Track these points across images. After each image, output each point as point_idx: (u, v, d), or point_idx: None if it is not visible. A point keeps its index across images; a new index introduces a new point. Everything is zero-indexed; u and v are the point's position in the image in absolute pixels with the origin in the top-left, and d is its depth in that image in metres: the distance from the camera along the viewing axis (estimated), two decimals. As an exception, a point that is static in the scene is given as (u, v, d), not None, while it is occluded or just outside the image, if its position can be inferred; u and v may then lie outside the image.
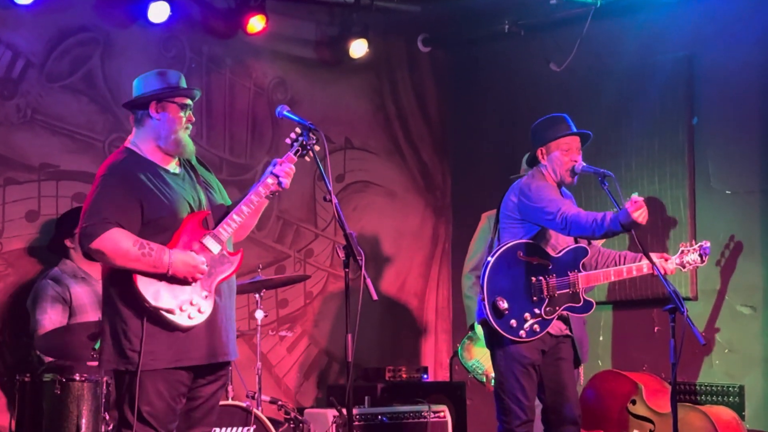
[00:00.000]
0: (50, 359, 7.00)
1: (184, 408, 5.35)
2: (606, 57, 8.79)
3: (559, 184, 6.59)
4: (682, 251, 6.52)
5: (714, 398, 7.89)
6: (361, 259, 5.09)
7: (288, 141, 5.44)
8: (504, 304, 6.37)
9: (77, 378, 6.61)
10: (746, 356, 7.88)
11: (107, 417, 6.52)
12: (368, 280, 5.04)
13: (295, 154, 5.43)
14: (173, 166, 5.44)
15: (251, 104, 9.02)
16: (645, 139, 8.43)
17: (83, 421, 6.56)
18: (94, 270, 7.45)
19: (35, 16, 7.89)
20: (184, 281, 5.20)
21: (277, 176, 5.37)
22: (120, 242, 5.12)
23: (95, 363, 6.59)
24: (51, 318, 7.21)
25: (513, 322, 6.39)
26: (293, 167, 5.44)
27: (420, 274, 9.99)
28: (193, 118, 5.48)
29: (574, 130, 6.59)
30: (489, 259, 6.48)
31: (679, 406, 6.58)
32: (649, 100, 8.44)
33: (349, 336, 5.11)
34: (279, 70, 9.18)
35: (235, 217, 5.37)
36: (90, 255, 5.21)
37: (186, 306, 5.20)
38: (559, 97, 8.78)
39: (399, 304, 9.81)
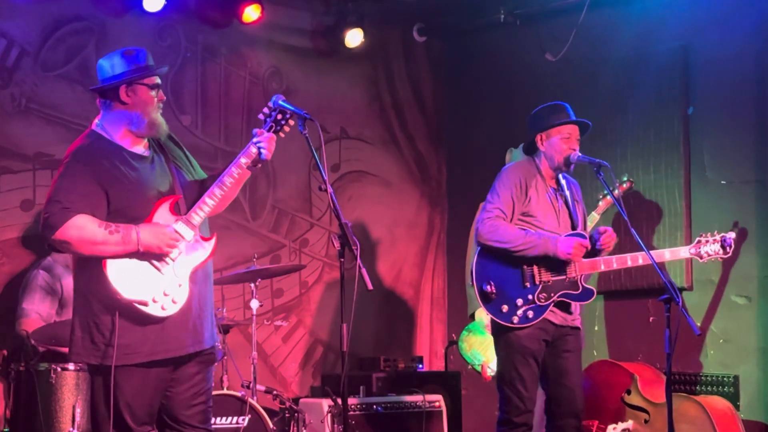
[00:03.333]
0: (44, 348, 6.99)
1: (171, 393, 5.25)
2: (602, 47, 8.79)
3: (556, 171, 6.57)
4: (700, 241, 6.44)
5: (709, 388, 7.90)
6: (357, 249, 5.06)
7: (261, 117, 5.36)
8: (490, 288, 6.36)
9: (72, 367, 6.59)
10: (741, 346, 7.89)
11: (102, 406, 6.50)
12: (363, 270, 5.02)
13: (268, 130, 5.35)
14: (141, 149, 5.30)
15: (246, 94, 9.01)
16: (640, 129, 8.43)
17: (78, 410, 6.55)
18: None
19: (30, 4, 7.87)
20: (158, 256, 5.09)
21: (258, 148, 5.27)
22: (84, 228, 5.00)
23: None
24: (37, 309, 7.19)
25: (504, 307, 6.38)
26: (274, 137, 5.34)
27: (415, 263, 9.99)
28: (164, 97, 5.37)
29: (575, 118, 6.59)
30: (475, 242, 6.49)
31: (674, 396, 6.59)
32: (644, 90, 8.44)
33: (345, 326, 5.09)
34: (274, 59, 9.17)
35: (207, 200, 5.24)
36: (54, 247, 5.12)
37: (159, 297, 5.09)
38: (555, 86, 8.77)
39: (394, 294, 9.82)
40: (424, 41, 10.06)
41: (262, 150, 5.28)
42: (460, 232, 8.19)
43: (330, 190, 5.15)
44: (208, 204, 5.25)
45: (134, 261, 5.09)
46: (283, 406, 7.54)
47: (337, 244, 5.15)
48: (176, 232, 5.14)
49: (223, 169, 5.32)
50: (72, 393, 6.58)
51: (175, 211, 5.21)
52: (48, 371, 6.56)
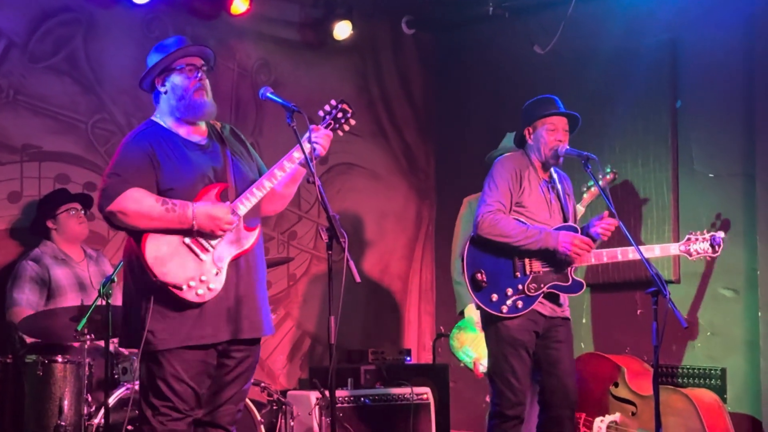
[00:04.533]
0: (32, 340, 6.98)
1: (215, 377, 5.26)
2: (590, 40, 8.79)
3: (545, 166, 6.58)
4: (689, 239, 6.46)
5: (696, 381, 7.92)
6: (345, 241, 5.04)
7: (321, 113, 5.41)
8: (482, 277, 6.37)
9: (59, 359, 6.59)
10: (728, 339, 7.91)
11: (89, 398, 6.50)
12: (351, 263, 5.00)
13: (326, 126, 5.40)
14: (197, 137, 5.35)
15: (235, 86, 9.00)
16: (629, 122, 8.44)
17: (65, 402, 6.55)
18: (75, 252, 7.45)
19: (18, -5, 7.87)
20: (210, 235, 5.11)
21: (313, 143, 5.27)
22: (141, 201, 5.05)
23: (77, 344, 6.59)
24: (28, 298, 7.17)
25: (494, 296, 6.38)
26: (330, 134, 5.38)
27: (403, 256, 10.00)
28: (204, 77, 5.36)
29: (563, 110, 6.59)
30: (471, 233, 6.49)
31: (661, 389, 6.61)
32: (633, 82, 8.45)
33: (332, 318, 5.08)
34: (263, 51, 9.16)
35: (255, 191, 5.25)
36: (110, 219, 5.09)
37: (194, 282, 5.09)
38: (544, 79, 8.77)
39: (382, 287, 9.82)
40: (412, 34, 10.06)
41: (316, 146, 5.29)
42: (448, 224, 8.18)
43: (318, 182, 5.13)
44: (255, 195, 5.27)
45: (174, 245, 5.11)
46: (271, 399, 7.53)
47: (325, 237, 5.14)
48: (234, 213, 5.17)
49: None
50: (60, 385, 6.58)
51: (222, 198, 5.21)
52: (36, 363, 6.56)
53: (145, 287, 5.09)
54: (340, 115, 5.44)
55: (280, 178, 5.32)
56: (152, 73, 5.34)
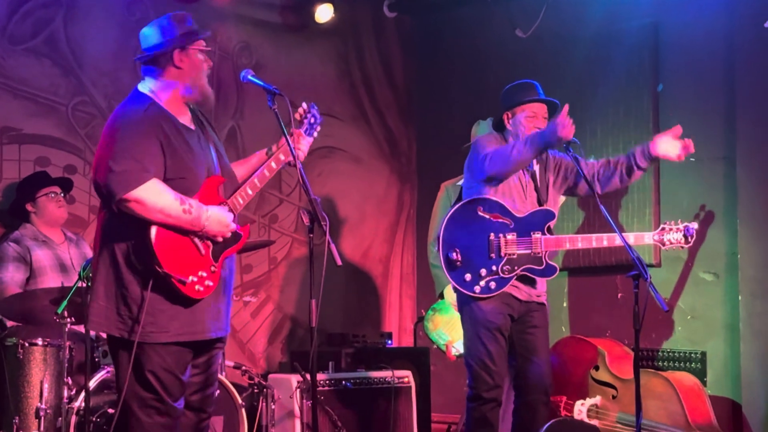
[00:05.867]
0: (13, 323, 6.96)
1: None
2: (572, 23, 8.78)
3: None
4: (663, 228, 6.45)
5: (676, 364, 7.95)
6: (326, 225, 5.03)
7: (297, 117, 5.43)
8: (456, 256, 6.37)
9: (40, 342, 6.57)
10: (708, 323, 7.93)
11: (70, 381, 6.48)
12: (332, 246, 4.98)
13: (305, 131, 5.46)
14: (187, 120, 5.20)
15: (216, 68, 8.85)
16: (610, 106, 8.45)
17: (46, 385, 6.53)
18: (55, 235, 7.43)
19: (-3, -23, 7.82)
20: (212, 239, 5.05)
21: (297, 149, 5.35)
22: (162, 194, 4.87)
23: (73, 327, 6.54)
24: (13, 277, 7.16)
25: (468, 276, 6.38)
26: (311, 140, 5.47)
27: (385, 239, 10.00)
28: (212, 62, 5.31)
29: (543, 97, 6.58)
30: (449, 212, 6.49)
31: (642, 372, 6.62)
32: (614, 66, 8.45)
33: (313, 301, 5.08)
34: (244, 34, 9.13)
35: (248, 190, 5.24)
36: (118, 204, 4.85)
37: (195, 277, 5.00)
38: (525, 63, 8.78)
39: (363, 270, 9.82)
40: (394, 17, 10.04)
41: (299, 152, 5.38)
42: (429, 208, 8.18)
43: (299, 165, 5.14)
44: (248, 193, 5.26)
45: (179, 237, 4.98)
46: (252, 382, 7.53)
47: (306, 220, 5.13)
48: (234, 222, 5.14)
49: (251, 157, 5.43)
50: (40, 368, 6.57)
51: (219, 193, 5.17)
52: (16, 346, 6.54)
53: (142, 276, 4.93)
54: (313, 120, 5.51)
55: (268, 176, 5.33)
56: (175, 44, 5.15)
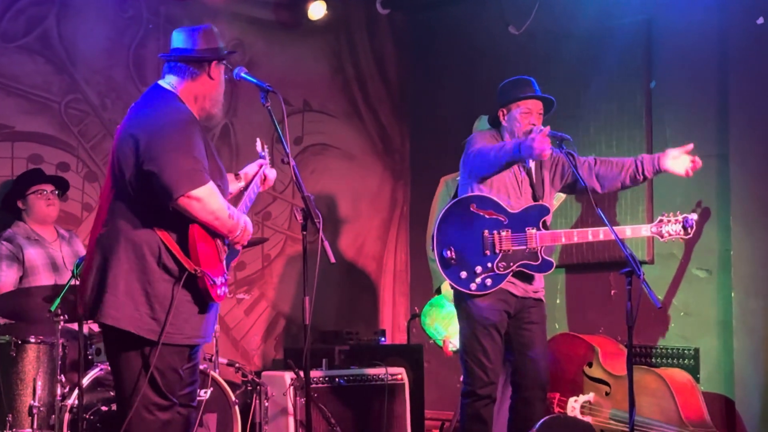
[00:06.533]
0: (6, 321, 6.95)
1: None
2: (565, 20, 8.78)
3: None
4: (661, 220, 6.42)
5: (669, 361, 7.95)
6: (319, 222, 5.04)
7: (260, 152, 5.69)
8: (450, 254, 6.36)
9: (33, 340, 6.57)
10: (701, 319, 7.93)
11: (63, 379, 6.48)
12: (326, 243, 5.00)
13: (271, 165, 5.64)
14: None
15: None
16: (603, 103, 8.44)
17: (39, 383, 6.53)
18: (47, 232, 7.42)
19: (-11, -26, 7.81)
20: (232, 245, 5.09)
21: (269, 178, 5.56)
22: (218, 197, 4.89)
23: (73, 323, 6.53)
24: (7, 274, 7.16)
25: (463, 273, 6.38)
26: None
27: (378, 237, 10.00)
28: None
29: (538, 93, 6.58)
30: (442, 210, 6.49)
31: (635, 369, 6.62)
32: (607, 63, 8.45)
33: (307, 299, 5.09)
34: (237, 31, 9.11)
35: (248, 203, 5.33)
36: (178, 202, 4.79)
37: (221, 280, 5.02)
38: (518, 60, 8.77)
39: (357, 267, 9.82)
40: (387, 14, 10.03)
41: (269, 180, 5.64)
42: (423, 205, 8.18)
43: (293, 162, 5.14)
44: (248, 206, 5.34)
45: (210, 239, 4.98)
46: (246, 379, 7.53)
47: (299, 217, 5.14)
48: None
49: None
50: (33, 366, 6.57)
51: (232, 202, 5.20)
52: (9, 344, 6.54)
53: (173, 274, 4.90)
54: (270, 157, 5.68)
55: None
56: (213, 55, 5.18)
